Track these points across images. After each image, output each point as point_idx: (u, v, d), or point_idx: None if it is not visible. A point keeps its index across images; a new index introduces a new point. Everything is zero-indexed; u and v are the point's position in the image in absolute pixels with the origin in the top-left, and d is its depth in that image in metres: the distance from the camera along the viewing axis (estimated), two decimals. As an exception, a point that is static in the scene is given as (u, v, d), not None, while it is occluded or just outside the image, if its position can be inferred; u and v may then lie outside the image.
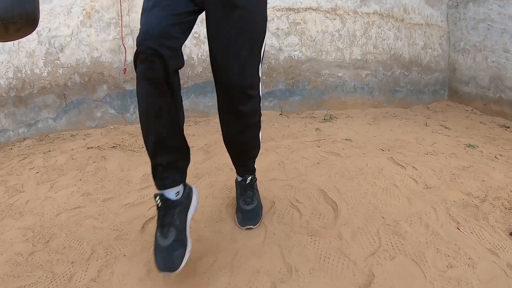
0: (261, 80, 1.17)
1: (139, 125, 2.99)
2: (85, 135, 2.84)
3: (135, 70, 0.96)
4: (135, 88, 0.99)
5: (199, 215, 1.45)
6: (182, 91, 2.96)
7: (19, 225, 1.56)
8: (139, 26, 0.95)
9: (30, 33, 1.23)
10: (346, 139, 2.42)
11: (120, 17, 2.82)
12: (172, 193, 1.04)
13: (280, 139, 2.45)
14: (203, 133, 2.67)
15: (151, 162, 1.05)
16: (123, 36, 2.85)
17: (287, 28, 3.20)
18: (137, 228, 1.43)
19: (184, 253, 0.97)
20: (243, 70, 1.07)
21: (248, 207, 1.35)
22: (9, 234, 1.49)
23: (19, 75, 2.87)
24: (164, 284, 1.08)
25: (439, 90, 4.14)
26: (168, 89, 0.96)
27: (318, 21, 3.29)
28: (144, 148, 2.33)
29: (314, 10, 3.23)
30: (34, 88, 2.89)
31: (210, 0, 1.02)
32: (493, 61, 3.53)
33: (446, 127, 2.91)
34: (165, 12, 0.93)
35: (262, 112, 1.26)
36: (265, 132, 2.59)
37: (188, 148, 1.12)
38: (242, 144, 1.30)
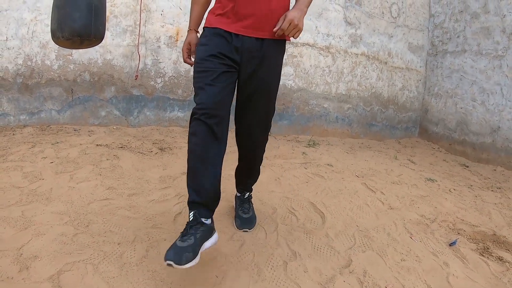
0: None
1: (141, 129, 3.79)
2: (89, 131, 3.26)
3: (190, 123, 1.45)
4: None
5: (219, 212, 1.96)
6: (183, 104, 3.46)
7: (51, 210, 1.81)
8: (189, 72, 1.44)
9: (96, 45, 1.71)
10: (328, 164, 3.08)
11: (139, 26, 3.32)
12: (203, 218, 1.40)
13: (273, 158, 3.07)
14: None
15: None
16: (139, 44, 3.34)
17: (285, 59, 3.84)
18: (169, 219, 1.85)
19: (192, 260, 1.23)
20: (267, 122, 1.67)
21: (245, 216, 1.87)
22: (44, 217, 1.73)
23: (29, 63, 3.21)
24: (203, 261, 1.45)
25: (411, 127, 5.00)
26: (215, 139, 1.41)
27: (313, 56, 4.03)
28: (153, 152, 2.80)
29: (310, 46, 3.96)
30: (42, 79, 3.25)
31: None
32: (461, 108, 4.34)
33: (412, 162, 3.67)
34: (220, 89, 1.43)
35: None
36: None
37: (220, 195, 1.51)
38: (251, 170, 1.90)
